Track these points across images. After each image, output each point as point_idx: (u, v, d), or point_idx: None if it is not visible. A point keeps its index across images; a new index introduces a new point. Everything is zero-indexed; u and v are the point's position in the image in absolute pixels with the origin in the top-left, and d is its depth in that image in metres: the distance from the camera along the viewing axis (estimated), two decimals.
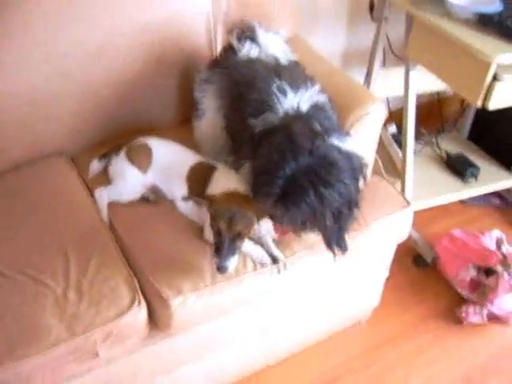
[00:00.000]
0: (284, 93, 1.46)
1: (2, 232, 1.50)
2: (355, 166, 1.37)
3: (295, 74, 1.58)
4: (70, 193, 1.63)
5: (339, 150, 1.34)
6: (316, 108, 1.46)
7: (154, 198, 1.60)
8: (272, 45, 1.74)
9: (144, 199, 1.60)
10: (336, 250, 1.40)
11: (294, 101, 1.44)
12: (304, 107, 1.44)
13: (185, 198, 1.47)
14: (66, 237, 1.49)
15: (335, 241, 1.39)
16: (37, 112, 1.68)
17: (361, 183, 1.39)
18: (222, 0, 1.85)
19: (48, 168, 1.71)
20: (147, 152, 1.60)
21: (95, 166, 1.68)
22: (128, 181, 1.58)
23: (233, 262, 1.35)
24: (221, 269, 1.33)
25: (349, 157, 1.36)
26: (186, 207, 1.54)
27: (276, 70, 1.58)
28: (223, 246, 1.33)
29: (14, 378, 1.25)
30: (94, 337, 1.31)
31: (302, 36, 2.04)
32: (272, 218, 1.37)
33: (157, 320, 1.40)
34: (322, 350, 1.96)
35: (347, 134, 1.51)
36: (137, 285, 1.40)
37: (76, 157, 1.78)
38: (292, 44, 1.87)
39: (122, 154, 1.61)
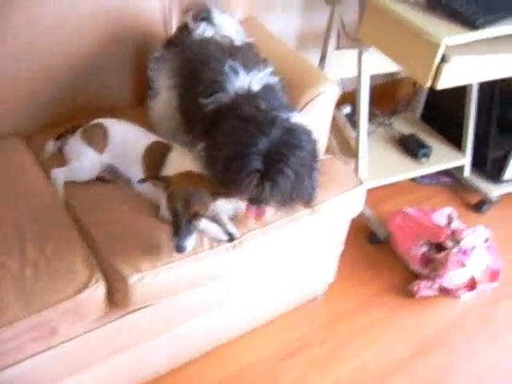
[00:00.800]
0: (236, 73, 1.49)
1: None
2: (308, 130, 1.43)
3: (248, 56, 1.61)
4: (25, 173, 1.62)
5: (289, 121, 1.40)
6: (267, 89, 1.50)
7: (110, 178, 1.61)
8: (226, 26, 1.76)
9: (100, 179, 1.61)
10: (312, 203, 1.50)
11: (246, 81, 1.48)
12: (255, 88, 1.48)
13: (141, 181, 1.48)
14: (22, 216, 1.49)
15: (311, 195, 1.46)
16: None
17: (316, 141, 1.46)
18: None
19: (3, 149, 1.70)
20: (103, 132, 1.60)
21: (51, 146, 1.68)
22: (84, 161, 1.59)
23: (191, 242, 1.38)
24: (179, 248, 1.36)
25: (299, 124, 1.42)
26: (142, 186, 1.55)
27: (230, 50, 1.61)
28: (181, 226, 1.35)
29: None
30: (52, 314, 1.32)
31: (258, 18, 2.06)
32: (255, 199, 1.38)
33: (115, 297, 1.42)
34: (280, 325, 2.01)
35: (295, 110, 1.55)
36: (94, 262, 1.41)
37: (31, 137, 1.77)
38: (247, 25, 1.90)
39: (78, 135, 1.62)
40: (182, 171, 1.42)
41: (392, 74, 2.79)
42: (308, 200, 1.49)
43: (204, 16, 1.74)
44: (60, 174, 1.59)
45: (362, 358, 1.96)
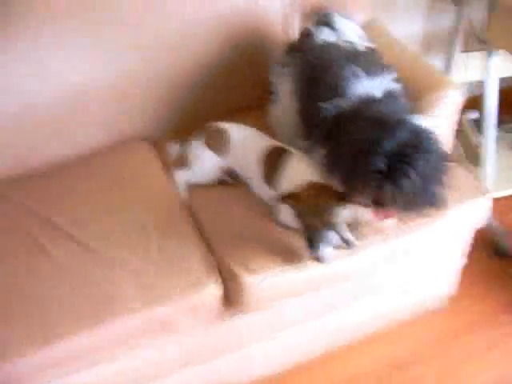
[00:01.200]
0: (358, 78, 1.46)
1: (88, 209, 1.60)
2: (434, 134, 1.37)
3: (371, 61, 1.58)
4: (151, 175, 1.71)
5: (415, 124, 1.36)
6: (389, 95, 1.46)
7: (230, 181, 1.65)
8: (348, 31, 1.74)
9: (221, 181, 1.65)
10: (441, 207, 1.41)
11: (368, 87, 1.45)
12: (377, 94, 1.45)
13: (273, 202, 1.50)
14: (147, 215, 1.57)
15: (441, 200, 1.39)
16: (119, 99, 1.77)
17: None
18: None
19: (130, 151, 1.80)
20: (224, 136, 1.64)
21: (175, 149, 1.76)
22: (205, 164, 1.64)
23: (329, 252, 1.39)
24: (319, 259, 1.37)
25: (424, 127, 1.37)
26: (261, 189, 1.58)
27: (352, 55, 1.59)
28: (320, 238, 1.36)
29: (97, 341, 1.35)
30: (171, 309, 1.38)
31: (380, 21, 2.02)
32: (377, 202, 1.33)
33: (231, 297, 1.46)
34: (395, 335, 1.95)
35: (418, 116, 1.50)
36: (212, 263, 1.46)
37: (157, 141, 1.86)
38: (369, 29, 1.87)
39: (200, 139, 1.68)
40: (305, 183, 1.41)
41: None
42: (438, 205, 1.40)
43: (326, 21, 1.74)
44: (182, 176, 1.66)
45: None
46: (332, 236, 1.47)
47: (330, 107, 1.45)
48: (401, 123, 1.32)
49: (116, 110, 1.79)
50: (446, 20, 2.37)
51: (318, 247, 1.36)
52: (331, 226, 1.37)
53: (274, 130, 1.76)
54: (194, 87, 1.85)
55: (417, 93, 1.62)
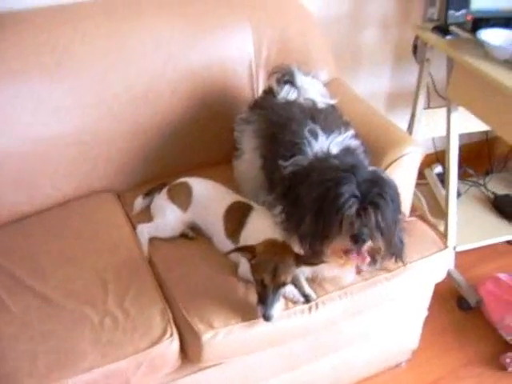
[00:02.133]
0: (315, 136, 1.51)
1: (52, 259, 1.60)
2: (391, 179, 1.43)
3: (330, 118, 1.63)
4: (114, 227, 1.72)
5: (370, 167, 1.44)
6: (347, 151, 1.51)
7: (192, 235, 1.67)
8: (310, 88, 1.80)
9: (183, 235, 1.67)
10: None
11: (325, 144, 1.50)
12: (334, 150, 1.49)
13: (228, 252, 1.50)
14: (107, 267, 1.57)
15: (401, 248, 1.45)
16: (86, 152, 1.79)
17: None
18: (264, 47, 1.94)
19: (95, 203, 1.82)
20: (187, 191, 1.67)
21: (139, 202, 1.77)
22: (168, 218, 1.66)
23: (277, 310, 1.40)
24: (267, 318, 1.37)
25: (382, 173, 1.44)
26: (223, 244, 1.59)
27: (311, 113, 1.64)
28: (268, 296, 1.37)
29: None
30: (127, 365, 1.37)
31: (345, 78, 2.09)
32: (354, 238, 1.33)
33: (188, 352, 1.45)
34: None
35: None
36: (170, 317, 1.46)
37: (122, 193, 1.88)
38: (332, 87, 1.93)
39: (164, 193, 1.70)
40: (266, 239, 1.43)
41: (488, 132, 2.70)
42: (399, 254, 1.45)
43: (287, 79, 1.79)
44: (145, 230, 1.66)
45: None
46: (290, 292, 1.49)
47: (287, 165, 1.49)
48: (358, 166, 1.38)
49: (82, 163, 1.80)
50: (409, 78, 2.45)
51: (269, 305, 1.36)
52: (283, 284, 1.38)
53: (238, 184, 1.79)
54: (160, 141, 1.88)
55: (378, 149, 1.67)
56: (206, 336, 1.40)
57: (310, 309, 1.50)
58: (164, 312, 1.46)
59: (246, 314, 1.45)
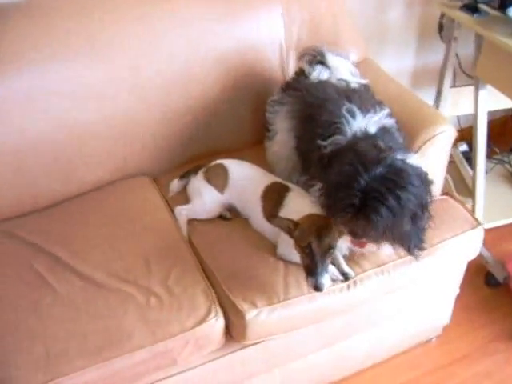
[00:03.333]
0: (353, 115, 1.52)
1: (91, 241, 1.63)
2: (421, 173, 1.42)
3: (365, 98, 1.64)
4: (152, 209, 1.74)
5: (403, 161, 1.40)
6: (383, 131, 1.52)
7: (229, 216, 1.69)
8: (341, 68, 1.81)
9: (221, 217, 1.69)
10: (416, 251, 1.45)
11: (363, 123, 1.51)
12: (372, 129, 1.50)
13: (270, 221, 1.51)
14: (149, 249, 1.60)
15: (414, 243, 1.43)
16: (120, 137, 1.81)
17: (429, 187, 1.43)
18: (294, 28, 1.94)
19: (131, 187, 1.84)
20: (224, 173, 1.69)
21: (175, 185, 1.80)
22: (205, 200, 1.68)
23: (327, 280, 1.41)
24: (318, 287, 1.37)
25: (413, 166, 1.41)
26: (260, 225, 1.62)
27: (346, 93, 1.65)
28: (316, 263, 1.37)
29: (99, 379, 1.36)
30: (173, 344, 1.40)
31: (372, 57, 2.09)
32: (352, 232, 1.40)
33: (232, 331, 1.48)
34: (394, 365, 1.98)
35: (412, 152, 1.55)
36: (214, 296, 1.49)
37: (158, 177, 1.90)
38: (362, 66, 1.94)
39: (200, 175, 1.72)
40: (306, 214, 1.45)
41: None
42: (409, 248, 1.45)
43: (319, 60, 1.80)
44: (183, 212, 1.69)
45: None
46: (329, 268, 1.51)
47: (326, 144, 1.51)
48: (381, 159, 1.36)
49: (117, 147, 1.82)
50: (434, 56, 2.45)
51: (319, 274, 1.38)
52: (329, 249, 1.39)
53: (271, 165, 1.81)
54: (193, 125, 1.89)
55: (411, 128, 1.68)
56: (250, 315, 1.43)
57: (348, 286, 1.53)
58: (207, 291, 1.49)
59: (288, 292, 1.48)
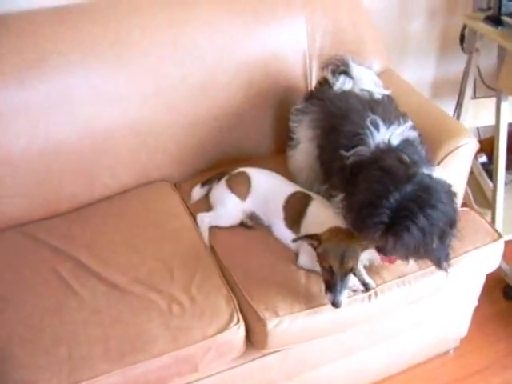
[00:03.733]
0: (377, 127, 1.53)
1: (114, 247, 1.65)
2: (448, 189, 1.42)
3: (388, 109, 1.64)
4: (173, 215, 1.76)
5: (431, 177, 1.40)
6: (406, 143, 1.52)
7: (251, 224, 1.70)
8: (365, 78, 1.82)
9: (243, 225, 1.70)
10: (444, 265, 1.47)
11: (386, 135, 1.51)
12: (394, 142, 1.51)
13: (294, 240, 1.52)
14: (171, 255, 1.61)
15: (443, 259, 1.45)
16: (143, 143, 1.83)
17: (456, 204, 1.44)
18: (317, 37, 1.95)
19: (153, 192, 1.86)
20: (246, 181, 1.70)
21: (197, 192, 1.81)
22: (228, 207, 1.69)
23: (345, 296, 1.43)
24: (336, 304, 1.40)
25: (440, 181, 1.41)
26: (282, 234, 1.62)
27: (370, 104, 1.65)
28: (336, 283, 1.40)
29: (121, 383, 1.37)
30: (196, 350, 1.41)
31: (393, 67, 2.10)
32: (381, 249, 1.41)
33: (253, 339, 1.49)
34: (409, 378, 1.97)
35: (434, 165, 1.56)
36: (236, 303, 1.50)
37: (179, 183, 1.92)
38: (384, 77, 1.94)
39: (223, 182, 1.73)
40: (330, 228, 1.46)
41: None
42: (438, 263, 1.48)
43: (343, 69, 1.81)
44: (205, 219, 1.70)
45: None
46: (350, 280, 1.52)
47: (349, 155, 1.51)
48: (410, 176, 1.36)
49: (140, 153, 1.84)
50: (454, 67, 2.45)
51: (338, 292, 1.40)
52: (351, 270, 1.41)
53: (293, 174, 1.81)
54: (216, 132, 1.91)
55: (432, 140, 1.68)
56: (272, 323, 1.44)
57: (369, 297, 1.53)
58: (229, 299, 1.50)
59: (309, 301, 1.49)
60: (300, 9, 1.93)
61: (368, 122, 1.54)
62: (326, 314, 1.48)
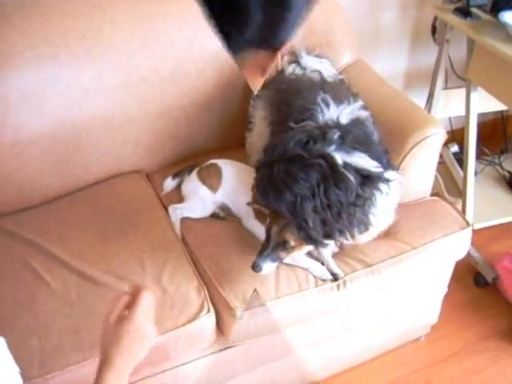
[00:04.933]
0: (327, 104, 1.54)
1: (86, 238, 1.66)
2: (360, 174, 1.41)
3: (339, 89, 1.67)
4: (145, 207, 1.77)
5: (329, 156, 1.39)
6: (356, 122, 1.53)
7: (223, 215, 1.72)
8: (315, 66, 1.84)
9: (214, 216, 1.72)
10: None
11: (335, 113, 1.53)
12: (344, 120, 1.52)
13: (248, 204, 1.56)
14: (142, 246, 1.62)
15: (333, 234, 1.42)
16: (114, 134, 1.83)
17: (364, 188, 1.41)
18: None
19: (125, 184, 1.87)
20: (217, 172, 1.72)
21: (169, 183, 1.82)
22: (200, 199, 1.71)
23: (269, 267, 1.43)
24: (255, 266, 1.41)
25: (352, 168, 1.40)
26: (252, 225, 1.64)
27: (321, 84, 1.70)
28: (266, 247, 1.42)
29: (93, 373, 1.37)
30: (167, 340, 1.42)
31: (366, 58, 2.11)
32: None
33: (223, 328, 1.51)
34: (381, 364, 2.01)
35: (384, 152, 1.56)
36: (206, 293, 1.51)
37: (151, 174, 1.93)
38: (355, 68, 1.97)
39: (194, 174, 1.75)
40: None
41: (502, 112, 2.73)
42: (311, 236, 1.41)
43: (293, 59, 1.86)
44: (177, 210, 1.71)
45: None
46: (319, 270, 1.54)
47: (297, 128, 1.52)
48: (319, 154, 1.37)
49: (111, 144, 1.84)
50: (427, 58, 2.48)
51: (263, 257, 1.41)
52: (284, 243, 1.41)
53: (248, 156, 1.85)
54: (187, 122, 1.91)
55: (402, 131, 1.70)
56: (241, 311, 1.46)
57: (338, 286, 1.55)
58: (200, 289, 1.52)
59: (279, 290, 1.51)
60: None
61: (319, 99, 1.55)
62: (294, 303, 1.51)
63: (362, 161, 1.42)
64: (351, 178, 1.37)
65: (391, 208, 1.58)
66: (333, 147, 1.40)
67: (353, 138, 1.45)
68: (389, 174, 1.48)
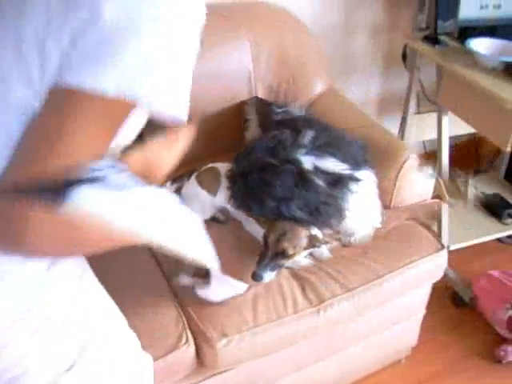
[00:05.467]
0: None
1: None
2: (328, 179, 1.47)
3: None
4: None
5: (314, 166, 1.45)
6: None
7: (222, 219, 1.72)
8: None
9: (214, 219, 1.71)
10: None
11: None
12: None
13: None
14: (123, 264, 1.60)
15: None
16: None
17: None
18: (262, 59, 2.00)
19: None
20: (216, 176, 1.70)
21: (168, 188, 1.78)
22: (199, 203, 1.69)
23: (269, 276, 1.45)
24: (256, 276, 1.42)
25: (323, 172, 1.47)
26: (252, 228, 1.65)
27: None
28: (265, 257, 1.43)
29: None
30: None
31: (338, 85, 2.16)
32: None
33: (203, 358, 1.50)
34: None
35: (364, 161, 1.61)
36: (186, 323, 1.50)
37: None
38: (327, 97, 2.00)
39: (193, 179, 1.73)
40: None
41: (474, 133, 2.78)
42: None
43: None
44: None
45: None
46: (279, 266, 1.53)
47: (280, 111, 1.66)
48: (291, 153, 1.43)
49: None
50: (399, 84, 2.54)
51: (263, 266, 1.43)
52: (283, 252, 1.44)
53: None
54: None
55: (380, 160, 1.74)
56: (221, 343, 1.45)
57: (318, 311, 1.57)
58: (178, 319, 1.51)
59: (257, 318, 1.51)
60: (244, 35, 1.97)
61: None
62: (273, 330, 1.51)
63: (331, 164, 1.47)
64: (319, 182, 1.42)
65: (373, 205, 1.63)
66: (303, 151, 1.43)
67: (324, 140, 1.50)
68: (360, 174, 1.52)
